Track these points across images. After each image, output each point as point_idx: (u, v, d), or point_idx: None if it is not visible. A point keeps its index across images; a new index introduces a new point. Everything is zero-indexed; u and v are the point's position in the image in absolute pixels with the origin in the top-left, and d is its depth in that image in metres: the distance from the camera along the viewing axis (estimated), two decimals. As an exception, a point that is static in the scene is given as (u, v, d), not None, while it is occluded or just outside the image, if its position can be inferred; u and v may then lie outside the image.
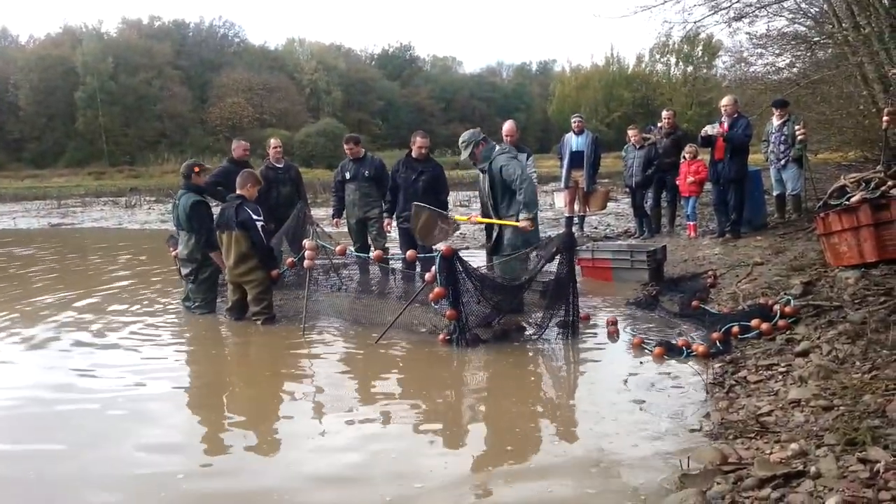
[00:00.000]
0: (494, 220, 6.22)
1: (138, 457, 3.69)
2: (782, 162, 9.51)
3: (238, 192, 6.58)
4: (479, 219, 6.45)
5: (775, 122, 9.62)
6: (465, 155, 6.23)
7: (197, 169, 6.99)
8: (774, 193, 10.01)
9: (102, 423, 4.20)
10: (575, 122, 10.77)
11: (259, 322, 6.46)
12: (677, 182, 9.76)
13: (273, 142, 8.57)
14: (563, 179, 10.82)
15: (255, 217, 6.39)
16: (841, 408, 3.49)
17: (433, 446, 3.79)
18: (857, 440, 3.06)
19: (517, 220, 6.01)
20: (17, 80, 49.04)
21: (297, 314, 6.53)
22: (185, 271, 6.99)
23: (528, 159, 7.84)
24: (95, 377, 5.06)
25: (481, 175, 6.34)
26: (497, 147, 6.30)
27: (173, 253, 7.26)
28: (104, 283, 8.98)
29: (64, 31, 56.56)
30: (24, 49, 55.64)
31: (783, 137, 9.45)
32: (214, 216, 6.85)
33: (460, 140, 6.26)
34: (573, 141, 10.62)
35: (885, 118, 7.36)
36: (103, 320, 6.79)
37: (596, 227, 11.83)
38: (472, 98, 69.25)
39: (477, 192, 6.69)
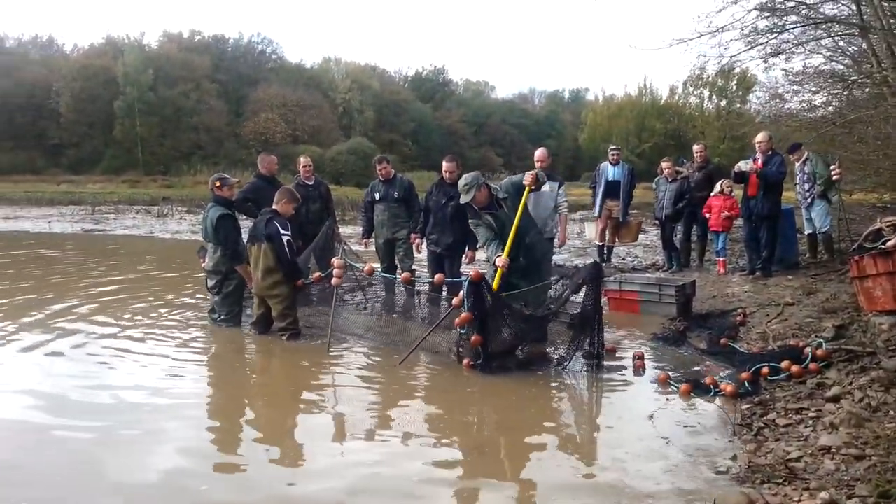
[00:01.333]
0: (515, 292, 5.81)
1: (157, 465, 3.70)
2: (809, 200, 9.46)
3: (274, 206, 6.65)
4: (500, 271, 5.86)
5: (796, 164, 9.63)
6: (465, 199, 5.92)
7: (218, 184, 7.07)
8: (806, 233, 9.88)
9: (123, 433, 4.22)
10: (613, 154, 10.79)
11: (284, 338, 6.48)
12: (706, 215, 9.64)
13: (303, 160, 8.63)
14: (597, 208, 10.79)
15: (282, 231, 6.44)
16: (873, 458, 3.40)
17: (451, 472, 3.75)
18: (890, 493, 2.98)
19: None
20: (60, 88, 50.31)
21: (322, 331, 6.54)
22: (210, 283, 7.06)
23: (559, 188, 7.80)
24: (118, 387, 5.10)
25: (492, 216, 6.01)
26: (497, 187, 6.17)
27: (203, 264, 7.33)
28: (128, 291, 9.09)
29: (107, 41, 57.99)
30: (69, 58, 57.13)
31: (805, 177, 9.44)
32: (243, 230, 6.92)
33: (461, 183, 5.98)
34: (609, 171, 10.65)
35: (924, 162, 7.25)
36: (125, 331, 6.85)
37: (623, 259, 11.74)
38: (504, 123, 69.54)
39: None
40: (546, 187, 7.70)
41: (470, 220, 6.19)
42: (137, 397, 4.86)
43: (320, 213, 8.26)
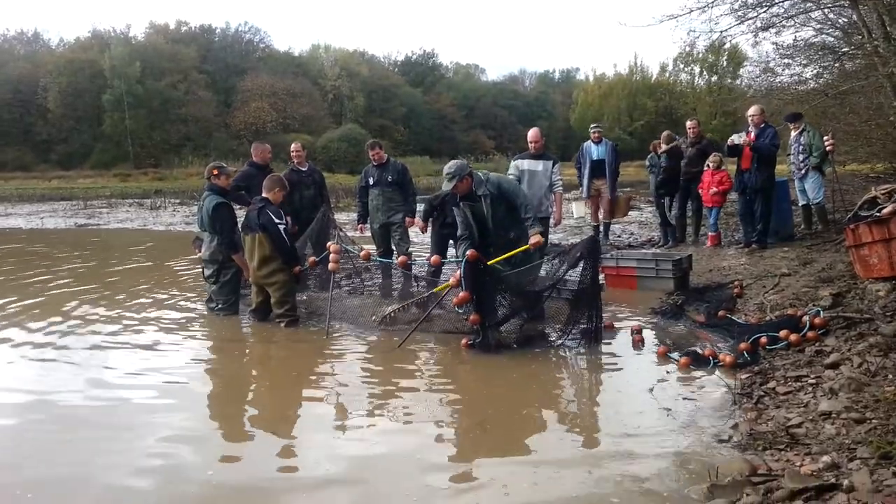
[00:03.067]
0: (504, 256, 5.95)
1: (158, 451, 3.72)
2: (803, 171, 9.52)
3: (264, 194, 6.63)
4: (495, 259, 5.96)
5: (792, 133, 9.67)
6: (447, 187, 5.92)
7: (215, 172, 7.04)
8: (800, 204, 9.91)
9: (124, 420, 4.22)
10: (594, 131, 10.81)
11: (282, 324, 6.48)
12: (700, 191, 9.67)
13: (294, 146, 8.59)
14: (584, 189, 10.81)
15: (276, 220, 6.42)
16: (873, 421, 3.42)
17: (454, 450, 3.78)
18: (891, 454, 3.00)
19: (521, 235, 6.06)
20: (47, 83, 49.91)
21: (320, 316, 6.54)
22: (207, 272, 7.04)
23: (553, 167, 7.80)
24: (116, 376, 5.10)
25: (469, 207, 6.08)
26: (482, 174, 6.17)
27: (199, 254, 7.31)
28: (126, 283, 9.07)
29: (93, 35, 57.50)
30: (54, 53, 56.60)
31: (801, 148, 9.50)
32: (238, 219, 6.91)
33: (445, 170, 5.97)
34: (593, 150, 10.65)
35: (917, 129, 7.26)
36: (125, 321, 6.85)
37: (619, 236, 11.76)
38: (495, 105, 69.34)
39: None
40: (539, 166, 7.73)
41: (453, 209, 6.26)
42: (136, 386, 4.85)
43: (314, 200, 8.23)
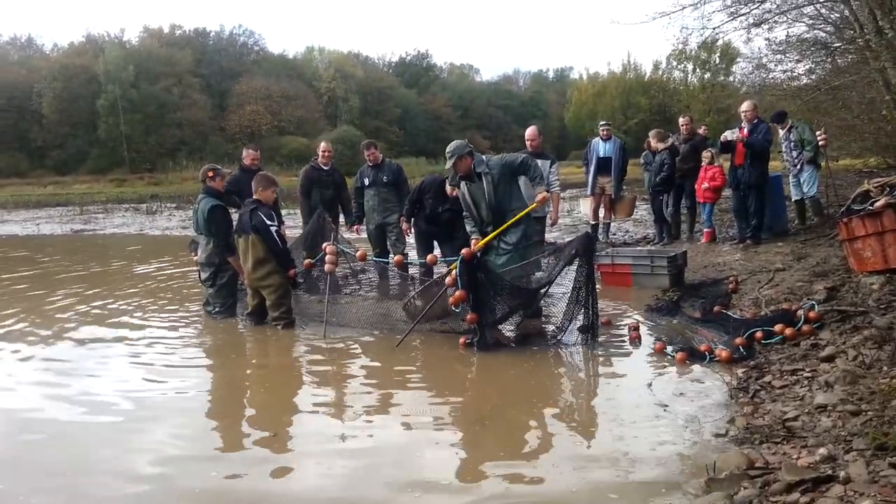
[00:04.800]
0: (496, 232, 6.06)
1: (155, 458, 3.71)
2: (798, 167, 9.51)
3: (254, 196, 6.62)
4: (487, 238, 6.13)
5: (781, 132, 9.68)
6: (448, 164, 6.03)
7: (211, 174, 7.05)
8: (794, 199, 9.93)
9: (119, 428, 4.21)
10: (603, 129, 10.73)
11: (279, 326, 6.49)
12: (696, 187, 9.69)
13: (323, 145, 8.71)
14: (589, 186, 10.76)
15: (268, 221, 6.40)
16: (869, 413, 3.45)
17: (454, 449, 3.78)
18: (887, 445, 3.02)
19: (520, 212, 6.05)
20: (41, 89, 49.76)
21: (318, 318, 6.55)
22: (203, 276, 7.05)
23: (551, 167, 7.78)
24: (114, 380, 5.11)
25: (468, 186, 6.16)
26: (483, 156, 6.27)
27: (195, 258, 7.31)
28: (124, 287, 9.07)
29: (87, 40, 57.37)
30: (49, 58, 56.46)
31: (792, 144, 9.50)
32: (234, 222, 6.91)
33: (448, 149, 6.06)
34: (600, 147, 10.58)
35: (908, 123, 7.29)
36: (123, 324, 6.86)
37: (615, 234, 11.78)
38: (489, 106, 69.38)
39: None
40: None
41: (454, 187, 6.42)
42: (134, 390, 4.85)
43: (333, 202, 8.27)
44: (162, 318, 7.09)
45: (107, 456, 3.77)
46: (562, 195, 10.56)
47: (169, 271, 10.44)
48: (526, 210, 6.07)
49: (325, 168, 8.39)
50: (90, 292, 8.73)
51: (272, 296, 6.53)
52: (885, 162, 13.91)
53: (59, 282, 9.72)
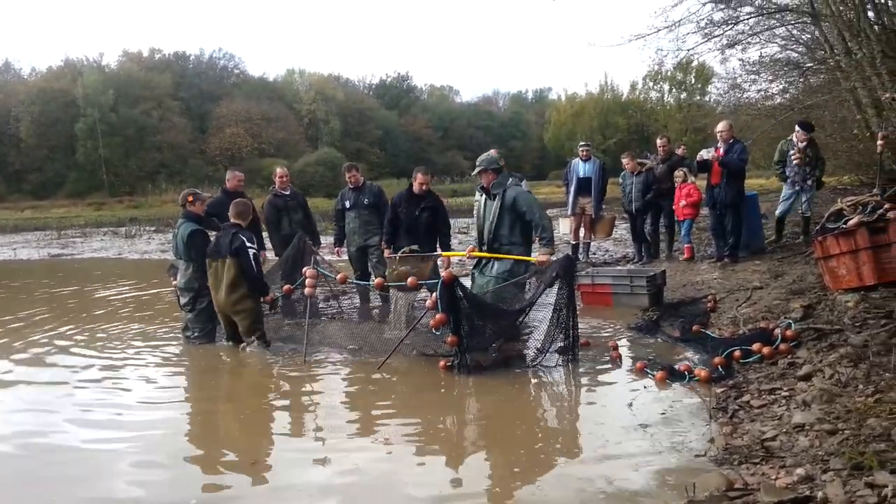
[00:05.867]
0: (494, 255, 6.19)
1: (131, 488, 3.64)
2: (809, 182, 9.15)
3: (234, 220, 6.57)
4: (478, 253, 6.32)
5: (800, 144, 9.09)
6: (475, 172, 6.32)
7: (190, 198, 7.03)
8: (777, 213, 9.82)
9: (95, 458, 4.14)
10: (583, 149, 10.79)
11: (254, 346, 6.39)
12: (674, 207, 9.78)
13: (279, 171, 8.60)
14: (569, 206, 10.82)
15: (248, 245, 6.36)
16: (846, 432, 3.48)
17: (436, 473, 3.76)
18: (863, 464, 3.05)
19: (517, 254, 6.10)
20: (19, 113, 49.34)
21: (298, 342, 6.50)
22: (183, 300, 6.98)
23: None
24: (91, 407, 5.03)
25: (484, 200, 6.33)
26: (512, 178, 6.41)
27: (174, 282, 7.25)
28: (99, 313, 8.95)
29: (65, 63, 56.98)
30: (26, 82, 56.04)
31: (808, 159, 9.06)
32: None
33: (478, 159, 6.32)
34: (580, 167, 10.64)
35: (879, 142, 7.44)
36: (100, 350, 6.76)
37: (595, 253, 11.85)
38: (470, 126, 69.75)
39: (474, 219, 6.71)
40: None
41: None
42: (111, 417, 4.78)
43: (303, 223, 8.24)
44: (138, 344, 6.99)
45: (76, 490, 3.69)
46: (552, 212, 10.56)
47: (146, 296, 10.32)
48: (522, 258, 6.13)
49: (286, 193, 8.37)
50: (60, 315, 8.62)
51: (245, 321, 6.44)
52: (858, 179, 14.15)
53: (31, 307, 9.57)
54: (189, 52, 63.46)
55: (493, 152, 6.43)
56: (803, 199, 9.33)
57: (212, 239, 6.94)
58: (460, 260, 7.80)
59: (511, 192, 6.15)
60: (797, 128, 9.27)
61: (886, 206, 5.86)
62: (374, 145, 62.05)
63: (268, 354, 6.39)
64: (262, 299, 6.59)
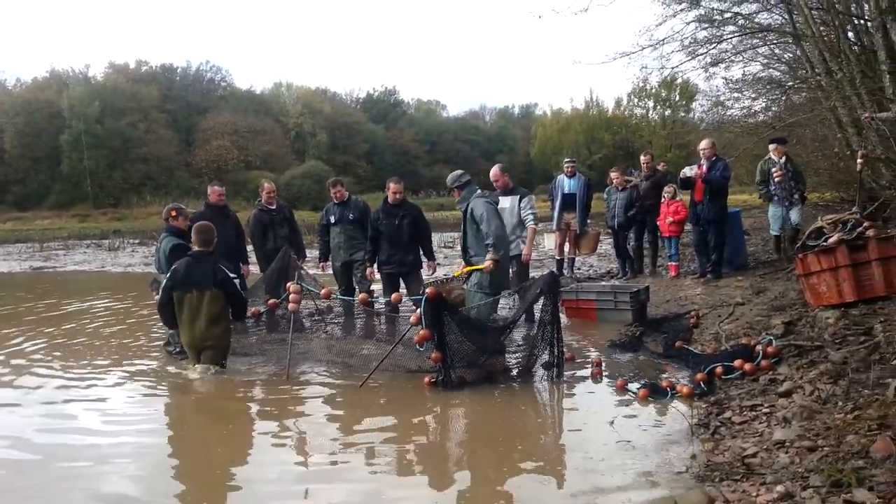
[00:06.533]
0: (473, 267, 6.34)
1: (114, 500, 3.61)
2: (795, 196, 9.09)
3: (200, 247, 6.20)
4: (466, 268, 6.51)
5: (779, 160, 9.06)
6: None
7: (174, 213, 7.00)
8: (772, 233, 9.74)
9: (81, 471, 4.11)
10: (567, 165, 10.86)
11: (207, 374, 6.13)
12: (658, 223, 9.86)
13: (267, 185, 8.56)
14: (554, 221, 10.86)
15: (231, 275, 6.18)
16: (825, 448, 3.50)
17: (420, 489, 3.75)
18: (842, 482, 3.07)
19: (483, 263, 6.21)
20: (3, 124, 48.99)
21: (281, 357, 6.47)
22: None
23: (520, 202, 7.64)
24: (71, 421, 4.99)
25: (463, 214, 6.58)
26: (479, 191, 6.49)
27: (156, 297, 7.18)
28: (79, 328, 8.86)
29: (50, 75, 56.68)
30: (11, 93, 55.66)
31: (790, 174, 9.04)
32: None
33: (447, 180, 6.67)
34: (565, 183, 10.71)
35: (859, 161, 7.54)
36: (76, 369, 6.66)
37: (579, 268, 11.90)
38: (456, 141, 69.90)
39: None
40: (507, 202, 7.73)
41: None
42: (89, 434, 4.73)
43: (288, 238, 8.21)
44: (118, 360, 6.92)
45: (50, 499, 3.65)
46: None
47: (128, 310, 10.23)
48: (476, 267, 6.26)
49: (272, 208, 8.36)
50: (40, 329, 8.53)
51: (215, 353, 6.16)
52: (839, 196, 14.33)
53: (11, 321, 9.46)
54: (176, 65, 63.35)
55: (454, 172, 6.69)
56: (793, 213, 9.09)
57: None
58: (446, 274, 7.83)
59: (472, 204, 6.36)
60: (772, 145, 9.32)
61: (866, 223, 5.95)
62: (360, 158, 62.05)
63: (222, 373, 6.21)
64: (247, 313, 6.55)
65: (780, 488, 3.17)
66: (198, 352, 6.16)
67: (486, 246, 6.17)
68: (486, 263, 6.08)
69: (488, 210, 6.27)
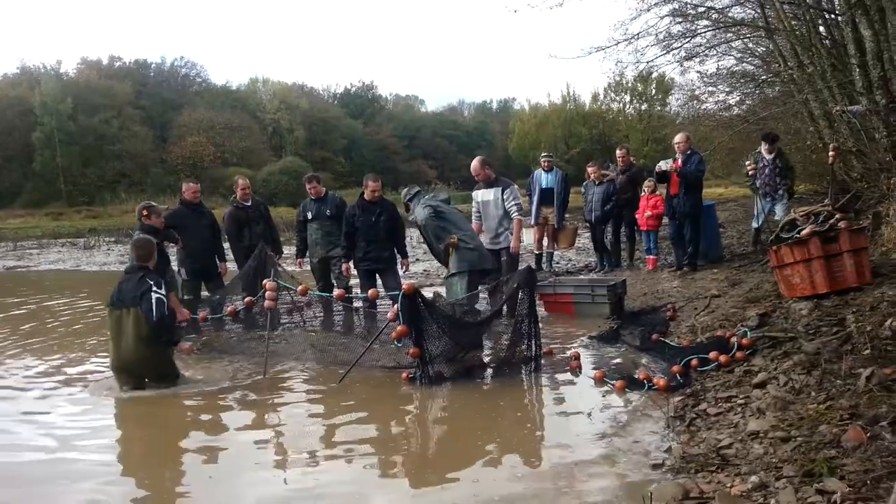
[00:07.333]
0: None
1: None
2: (780, 191, 9.14)
3: (142, 262, 5.75)
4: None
5: (766, 155, 9.19)
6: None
7: (146, 212, 6.92)
8: (753, 225, 9.87)
9: (45, 478, 4.02)
10: (544, 160, 10.88)
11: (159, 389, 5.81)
12: (636, 216, 9.92)
13: (241, 182, 8.47)
14: (532, 216, 10.89)
15: (155, 289, 5.45)
16: (798, 439, 3.54)
17: (399, 482, 3.76)
18: (814, 471, 3.11)
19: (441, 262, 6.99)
20: (-28, 122, 48.09)
21: (258, 355, 6.42)
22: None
23: (503, 193, 7.59)
24: (32, 428, 4.88)
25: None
26: (424, 197, 7.08)
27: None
28: (48, 330, 8.73)
29: (21, 71, 55.70)
30: (-20, 90, 54.65)
31: (777, 170, 9.10)
32: (171, 258, 6.71)
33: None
34: (543, 178, 10.72)
35: (831, 153, 7.64)
36: (44, 375, 6.50)
37: (557, 262, 11.95)
38: (435, 136, 69.89)
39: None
40: (490, 195, 7.73)
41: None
42: (55, 443, 4.64)
43: (264, 235, 8.15)
44: (90, 364, 6.80)
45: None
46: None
47: (101, 311, 10.08)
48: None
49: (248, 204, 8.29)
50: (21, 329, 8.40)
51: (152, 373, 5.72)
52: (813, 189, 14.53)
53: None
54: (150, 60, 62.63)
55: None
56: (778, 207, 9.09)
57: (171, 249, 6.79)
58: (424, 269, 7.84)
59: (416, 214, 6.98)
60: (763, 143, 9.36)
61: (838, 215, 6.02)
62: (339, 154, 61.76)
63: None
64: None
65: (754, 479, 3.20)
66: (126, 375, 5.63)
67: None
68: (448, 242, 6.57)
69: (426, 217, 6.81)
